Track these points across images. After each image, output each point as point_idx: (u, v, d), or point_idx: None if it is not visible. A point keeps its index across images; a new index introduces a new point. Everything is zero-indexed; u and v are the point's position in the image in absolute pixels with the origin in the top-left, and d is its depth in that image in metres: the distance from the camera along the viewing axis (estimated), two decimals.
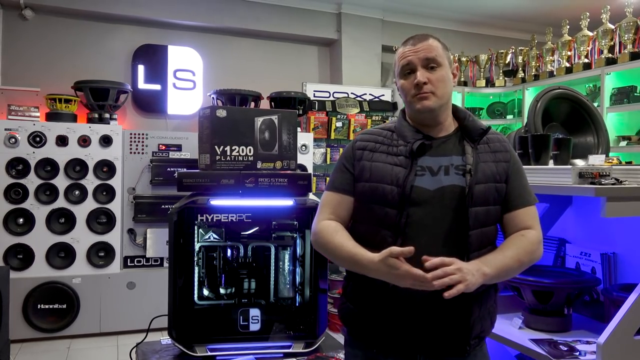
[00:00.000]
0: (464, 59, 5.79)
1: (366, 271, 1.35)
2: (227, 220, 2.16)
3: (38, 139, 4.14)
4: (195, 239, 2.15)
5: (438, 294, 1.26)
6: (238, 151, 2.15)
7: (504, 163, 1.45)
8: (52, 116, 4.37)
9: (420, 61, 1.42)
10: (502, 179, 1.44)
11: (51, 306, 4.12)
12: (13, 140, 4.06)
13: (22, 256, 4.09)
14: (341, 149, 5.28)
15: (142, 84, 5.10)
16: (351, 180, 1.48)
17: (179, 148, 4.56)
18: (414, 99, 1.43)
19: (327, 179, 5.16)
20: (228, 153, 2.14)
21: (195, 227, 2.14)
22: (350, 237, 1.43)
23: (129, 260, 4.44)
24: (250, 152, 2.17)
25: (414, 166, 1.40)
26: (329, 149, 5.25)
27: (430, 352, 1.40)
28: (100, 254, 4.30)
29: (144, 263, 4.47)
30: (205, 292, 2.18)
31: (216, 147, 2.13)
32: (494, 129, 1.54)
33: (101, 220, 4.30)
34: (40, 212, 4.12)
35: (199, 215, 2.13)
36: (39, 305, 4.09)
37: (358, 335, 1.49)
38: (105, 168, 4.31)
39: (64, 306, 4.15)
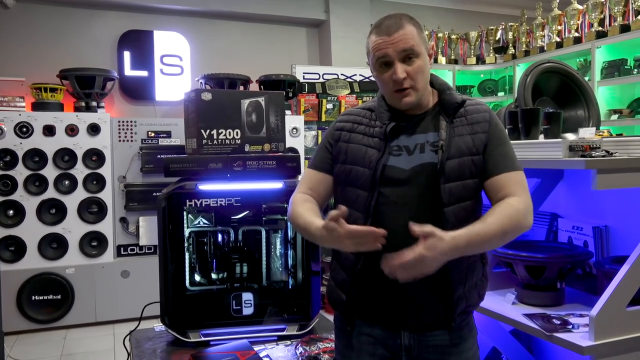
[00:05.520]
0: (454, 36, 5.74)
1: (316, 240, 1.35)
2: (216, 205, 2.14)
3: (25, 129, 4.08)
4: (185, 225, 2.13)
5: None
6: (225, 134, 2.12)
7: (481, 134, 1.39)
8: (38, 106, 4.30)
9: (398, 54, 1.34)
10: (480, 151, 1.38)
11: (45, 297, 4.10)
12: None
13: (13, 248, 4.06)
14: None
15: (128, 71, 5.03)
16: (330, 159, 1.49)
17: (168, 135, 4.51)
18: (395, 94, 1.39)
19: None
20: (215, 137, 2.11)
21: (185, 213, 2.12)
22: (315, 209, 1.42)
23: (122, 249, 4.42)
24: (237, 135, 2.14)
25: (387, 148, 1.39)
26: (320, 132, 5.21)
27: (415, 328, 1.40)
28: (93, 244, 4.28)
29: (138, 251, 4.45)
30: (197, 277, 2.17)
31: (202, 131, 2.09)
32: (476, 99, 1.50)
33: (92, 210, 4.27)
34: (31, 203, 4.09)
35: (187, 201, 2.11)
36: (33, 297, 4.07)
37: (345, 311, 1.47)
38: (95, 157, 4.27)
39: (59, 297, 4.13)
